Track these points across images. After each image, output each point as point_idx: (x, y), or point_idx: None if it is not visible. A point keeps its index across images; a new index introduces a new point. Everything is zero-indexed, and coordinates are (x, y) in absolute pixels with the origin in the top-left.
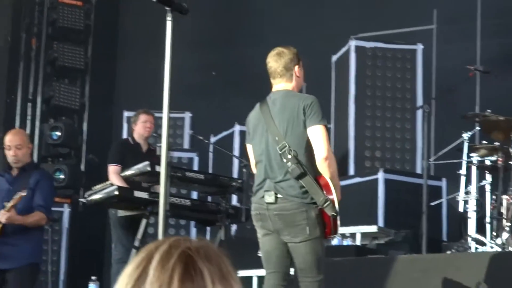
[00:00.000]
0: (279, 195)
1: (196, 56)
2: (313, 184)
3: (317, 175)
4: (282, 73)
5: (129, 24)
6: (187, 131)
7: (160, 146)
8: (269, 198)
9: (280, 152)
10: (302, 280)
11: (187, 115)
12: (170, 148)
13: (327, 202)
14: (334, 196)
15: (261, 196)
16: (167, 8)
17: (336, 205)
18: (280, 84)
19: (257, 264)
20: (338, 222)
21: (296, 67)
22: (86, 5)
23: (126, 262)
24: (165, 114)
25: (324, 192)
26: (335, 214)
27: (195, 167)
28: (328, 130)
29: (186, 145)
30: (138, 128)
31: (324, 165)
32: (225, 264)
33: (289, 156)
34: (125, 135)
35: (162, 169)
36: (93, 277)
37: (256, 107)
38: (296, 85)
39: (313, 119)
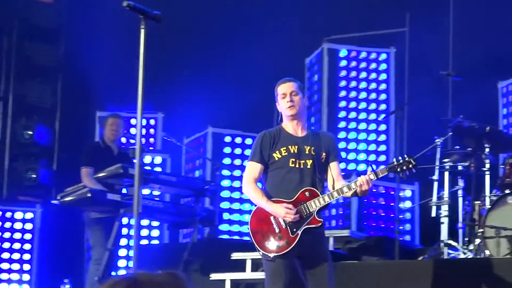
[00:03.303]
0: None
1: (173, 55)
2: None
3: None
4: None
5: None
6: (159, 132)
7: (133, 148)
8: None
9: None
10: None
11: (160, 116)
12: (143, 149)
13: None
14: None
15: None
16: (141, 17)
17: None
18: None
19: (230, 267)
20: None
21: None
22: (58, 3)
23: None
24: (138, 118)
25: None
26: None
27: (168, 169)
28: (251, 165)
29: (159, 146)
30: (106, 131)
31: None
32: None
33: None
34: (97, 134)
35: (136, 171)
36: (65, 280)
37: None
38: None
39: None
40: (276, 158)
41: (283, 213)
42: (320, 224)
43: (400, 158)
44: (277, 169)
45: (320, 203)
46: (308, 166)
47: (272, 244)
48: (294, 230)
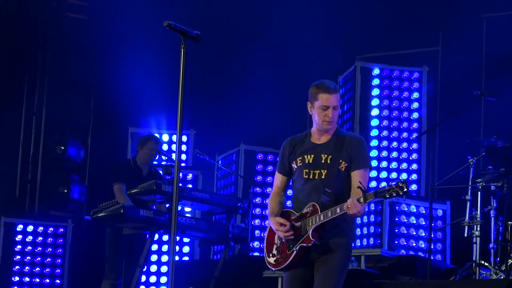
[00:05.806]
0: None
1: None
2: None
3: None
4: None
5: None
6: (191, 149)
7: (166, 165)
8: None
9: None
10: None
11: (192, 133)
12: (173, 166)
13: None
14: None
15: None
16: (181, 36)
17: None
18: None
19: (261, 284)
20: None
21: (308, 104)
22: (92, 19)
23: (117, 279)
24: (178, 135)
25: None
26: None
27: (200, 186)
28: (276, 176)
29: (190, 163)
30: (142, 153)
31: None
32: None
33: None
34: (129, 150)
35: (174, 187)
36: None
37: None
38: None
39: None
40: (294, 168)
41: (275, 227)
42: (310, 244)
43: (392, 183)
44: (296, 179)
45: (315, 221)
46: (323, 177)
47: (273, 257)
48: (291, 246)
